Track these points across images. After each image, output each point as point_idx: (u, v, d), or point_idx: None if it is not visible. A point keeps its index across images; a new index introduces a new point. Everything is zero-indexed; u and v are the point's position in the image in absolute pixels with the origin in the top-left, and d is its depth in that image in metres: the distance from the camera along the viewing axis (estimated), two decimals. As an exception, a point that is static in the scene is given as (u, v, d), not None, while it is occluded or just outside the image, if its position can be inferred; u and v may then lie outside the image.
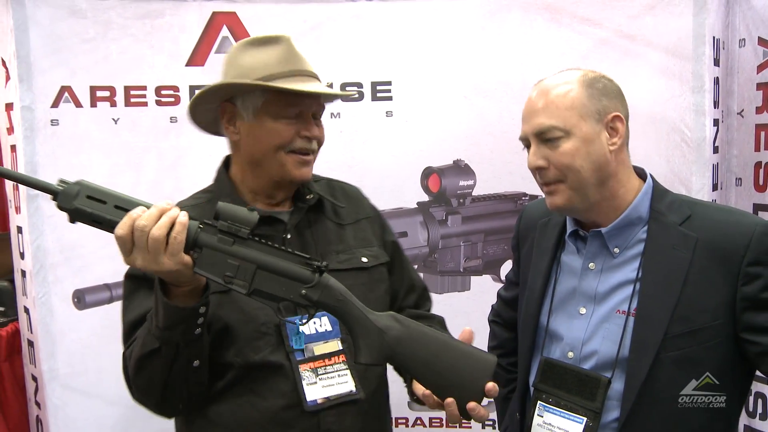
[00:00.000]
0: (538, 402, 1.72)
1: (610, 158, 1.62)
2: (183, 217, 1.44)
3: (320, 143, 1.79)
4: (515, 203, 2.87)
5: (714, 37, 2.83)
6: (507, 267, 2.89)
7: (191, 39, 2.78)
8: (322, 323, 1.75)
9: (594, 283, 1.68)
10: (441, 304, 2.81)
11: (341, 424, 1.70)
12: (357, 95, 1.86)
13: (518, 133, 2.81)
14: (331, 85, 1.84)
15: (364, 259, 1.85)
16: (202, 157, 2.77)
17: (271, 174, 1.76)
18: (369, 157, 2.83)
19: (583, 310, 1.69)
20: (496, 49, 2.84)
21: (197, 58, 2.79)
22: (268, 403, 1.67)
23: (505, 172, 2.84)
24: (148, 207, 1.45)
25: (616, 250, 1.67)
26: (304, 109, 1.73)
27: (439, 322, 1.98)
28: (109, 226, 1.45)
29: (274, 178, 1.77)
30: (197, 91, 1.76)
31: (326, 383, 1.70)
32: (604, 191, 1.63)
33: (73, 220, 1.47)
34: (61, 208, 1.46)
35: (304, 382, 1.68)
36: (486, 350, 1.66)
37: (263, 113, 1.72)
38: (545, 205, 1.80)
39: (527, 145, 1.67)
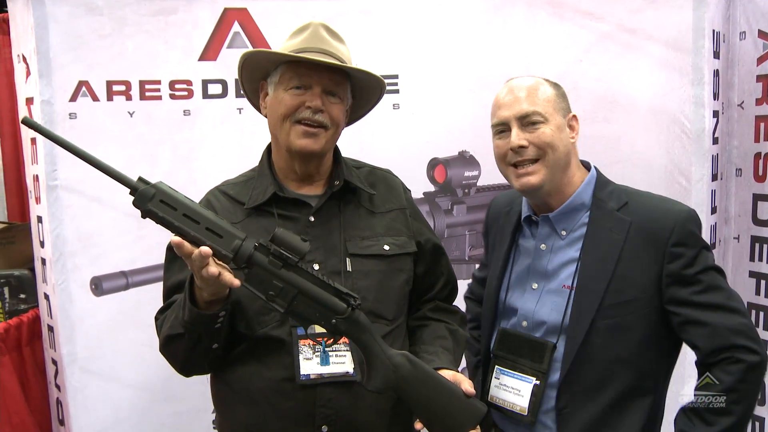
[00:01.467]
0: (496, 366, 1.97)
1: (571, 148, 1.89)
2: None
3: (333, 120, 1.86)
4: None
5: (714, 30, 2.88)
6: None
7: (204, 35, 2.84)
8: None
9: (545, 261, 1.93)
10: (446, 291, 2.89)
11: (337, 402, 1.79)
12: (363, 74, 1.93)
13: None
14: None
15: (386, 247, 1.93)
16: (215, 149, 2.88)
17: (282, 145, 1.88)
18: (376, 149, 2.83)
19: (535, 286, 1.94)
20: (501, 42, 2.89)
21: (210, 53, 2.85)
22: (272, 374, 1.80)
23: None
24: (213, 219, 1.59)
25: (563, 232, 1.91)
26: (313, 83, 1.83)
27: (460, 318, 2.09)
28: (175, 231, 1.58)
29: (284, 148, 1.88)
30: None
31: (322, 361, 1.80)
32: (564, 177, 1.88)
33: (144, 217, 1.59)
34: (135, 205, 1.58)
35: (300, 357, 1.79)
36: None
37: (279, 86, 1.86)
38: (509, 197, 2.12)
39: (501, 131, 1.89)
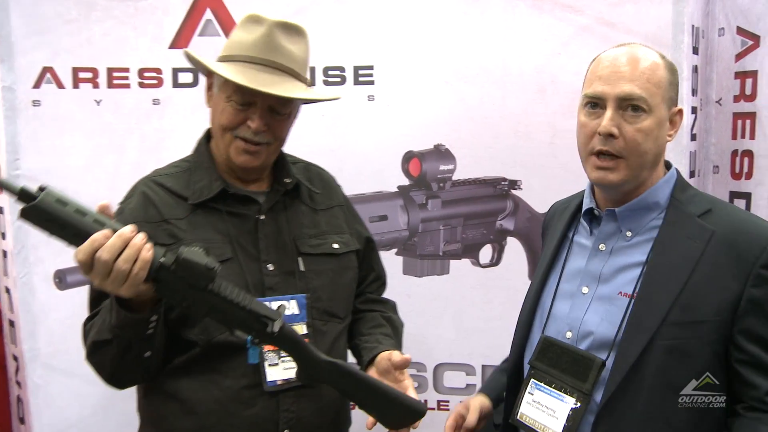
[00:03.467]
0: (531, 380, 1.71)
1: (664, 148, 1.64)
2: (146, 253, 1.42)
3: (277, 137, 1.77)
4: (494, 188, 2.87)
5: (693, 26, 2.85)
6: (485, 251, 2.92)
7: (175, 22, 2.77)
8: (290, 306, 1.77)
9: (600, 264, 1.67)
10: (421, 287, 2.88)
11: (299, 406, 1.74)
12: (315, 92, 1.88)
13: (498, 118, 2.83)
14: (309, 84, 1.86)
15: (336, 246, 1.89)
16: (185, 139, 2.70)
17: (222, 151, 1.79)
18: (350, 141, 2.83)
19: (585, 290, 1.68)
20: (478, 34, 2.84)
21: (181, 40, 2.77)
22: (230, 382, 1.70)
23: (485, 156, 2.84)
24: (103, 225, 1.41)
25: (629, 233, 1.65)
26: (256, 100, 1.71)
27: (392, 307, 2.09)
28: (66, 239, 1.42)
29: (223, 155, 1.79)
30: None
31: (288, 365, 1.72)
32: (649, 176, 1.64)
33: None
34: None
35: (266, 363, 1.72)
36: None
37: (223, 90, 1.75)
38: (568, 200, 1.86)
39: (593, 104, 1.61)
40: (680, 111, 1.63)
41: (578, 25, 2.79)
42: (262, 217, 1.81)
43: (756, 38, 2.95)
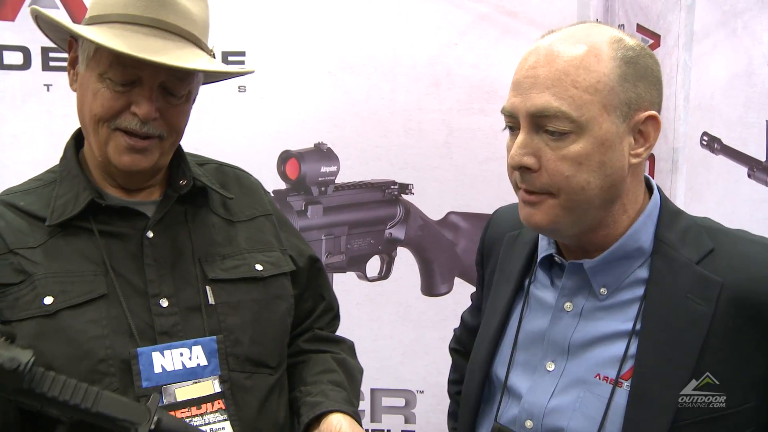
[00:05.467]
0: None
1: (626, 174, 1.17)
2: None
3: (172, 128, 1.39)
4: (383, 192, 2.73)
5: (597, 20, 2.78)
6: (373, 263, 2.77)
7: (-3, -13, 2.42)
8: (192, 355, 1.37)
9: (569, 330, 1.24)
10: (300, 306, 2.62)
11: None
12: (245, 71, 1.57)
13: (388, 114, 2.58)
14: (213, 54, 1.47)
15: (259, 267, 1.49)
16: (14, 136, 2.45)
17: (97, 151, 1.37)
18: (218, 139, 2.57)
19: (551, 366, 1.25)
20: (365, 19, 2.66)
21: (5, 10, 2.40)
22: None
23: (373, 157, 2.68)
24: None
25: (604, 290, 1.22)
26: (143, 77, 1.31)
27: (349, 348, 1.70)
28: None
29: (99, 157, 1.38)
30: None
31: None
32: (606, 216, 1.20)
33: None
34: None
35: None
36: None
37: (93, 67, 1.33)
38: (518, 221, 1.40)
39: (511, 126, 1.21)
40: (652, 117, 1.16)
41: (476, 13, 2.66)
42: (150, 234, 1.41)
43: (656, 37, 2.90)
